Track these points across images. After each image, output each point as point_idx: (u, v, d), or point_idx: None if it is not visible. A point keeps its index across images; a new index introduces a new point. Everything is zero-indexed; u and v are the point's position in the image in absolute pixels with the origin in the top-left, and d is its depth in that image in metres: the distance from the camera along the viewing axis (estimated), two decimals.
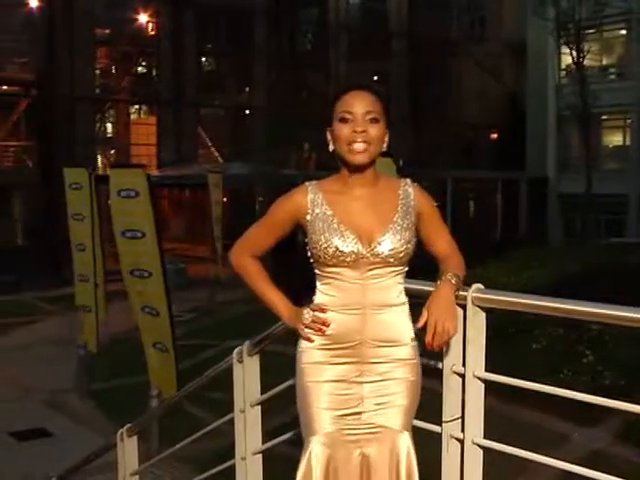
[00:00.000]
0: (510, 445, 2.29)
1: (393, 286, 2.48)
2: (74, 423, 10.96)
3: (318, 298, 2.49)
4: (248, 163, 26.57)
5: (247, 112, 31.84)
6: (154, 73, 30.39)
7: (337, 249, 2.40)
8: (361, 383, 2.47)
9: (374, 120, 2.48)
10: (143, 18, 29.18)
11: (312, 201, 2.49)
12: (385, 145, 2.54)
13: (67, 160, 21.39)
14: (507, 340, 11.75)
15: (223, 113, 33.93)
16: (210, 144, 32.26)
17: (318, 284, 2.49)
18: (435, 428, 2.45)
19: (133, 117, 33.18)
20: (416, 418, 2.50)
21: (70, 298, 13.85)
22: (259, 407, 3.18)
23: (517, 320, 11.36)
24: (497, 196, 32.62)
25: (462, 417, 2.39)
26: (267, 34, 30.25)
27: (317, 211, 2.47)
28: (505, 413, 9.90)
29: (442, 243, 2.59)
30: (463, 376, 2.38)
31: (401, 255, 2.45)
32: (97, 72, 29.87)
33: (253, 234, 2.63)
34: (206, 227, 24.68)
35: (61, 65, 25.89)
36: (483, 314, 2.40)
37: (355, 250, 2.41)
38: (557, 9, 26.50)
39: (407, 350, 2.48)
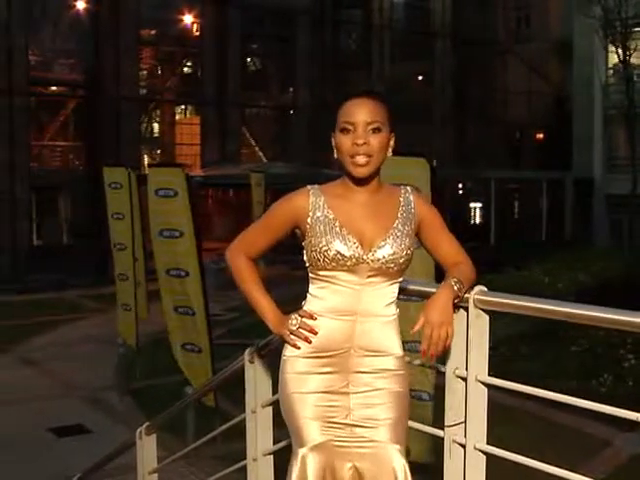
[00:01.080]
0: (516, 452, 2.24)
1: (388, 295, 2.45)
2: (112, 420, 11.07)
3: (309, 303, 2.47)
4: (291, 163, 26.63)
5: (291, 112, 31.91)
6: (199, 73, 30.59)
7: (338, 252, 2.38)
8: (347, 394, 2.44)
9: (376, 130, 2.44)
10: (188, 19, 29.40)
11: (313, 204, 2.46)
12: (390, 150, 2.50)
13: (113, 160, 21.67)
14: (545, 341, 11.62)
15: (267, 113, 34.05)
16: (254, 144, 32.40)
17: (311, 288, 2.46)
18: (438, 432, 2.41)
19: (178, 117, 33.46)
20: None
21: (115, 296, 14.00)
22: (270, 408, 3.15)
23: (555, 320, 11.20)
24: (542, 197, 32.24)
25: (465, 422, 2.35)
26: (311, 34, 30.27)
27: (318, 214, 2.44)
28: (543, 415, 9.80)
29: (446, 249, 2.54)
30: (466, 380, 2.34)
31: (401, 261, 2.42)
32: (142, 72, 30.21)
33: (251, 234, 2.61)
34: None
35: (107, 65, 26.22)
36: (486, 317, 2.35)
37: (356, 254, 2.38)
38: (603, 7, 26.11)
39: (394, 361, 2.44)
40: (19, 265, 23.73)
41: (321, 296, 2.43)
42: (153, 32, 29.80)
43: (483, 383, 2.31)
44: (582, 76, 32.51)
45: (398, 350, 2.41)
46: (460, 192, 34.38)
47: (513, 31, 36.87)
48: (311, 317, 2.42)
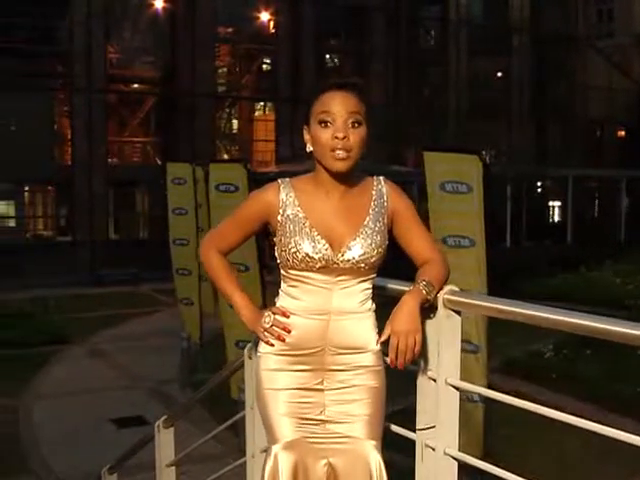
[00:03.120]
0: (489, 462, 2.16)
1: (360, 292, 2.39)
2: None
3: (281, 301, 2.43)
4: (365, 159, 26.53)
5: (366, 109, 31.81)
6: (274, 70, 30.79)
7: (307, 255, 2.33)
8: (322, 390, 2.40)
9: (355, 123, 2.36)
10: (264, 16, 29.62)
11: (284, 200, 2.40)
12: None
13: (188, 156, 21.97)
14: (612, 344, 11.27)
15: None
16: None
17: (283, 285, 2.43)
18: (411, 435, 2.35)
19: (257, 114, 33.77)
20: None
21: None
22: None
23: None
24: (622, 196, 31.40)
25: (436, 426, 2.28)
26: (386, 31, 30.13)
27: (289, 212, 2.39)
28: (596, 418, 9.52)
29: (418, 245, 2.45)
30: (437, 382, 2.26)
31: (372, 260, 2.36)
32: (219, 70, 30.56)
33: (222, 229, 2.58)
34: None
35: (183, 63, 26.61)
36: (458, 318, 2.26)
37: (325, 256, 2.33)
38: None
39: (370, 357, 2.38)
40: (96, 259, 24.28)
41: (293, 294, 2.40)
42: (229, 29, 30.11)
43: (454, 386, 2.24)
44: None
45: (374, 346, 2.35)
46: (539, 190, 33.79)
47: (594, 25, 36.02)
48: (284, 315, 2.39)
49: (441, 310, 2.24)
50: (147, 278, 22.68)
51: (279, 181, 2.47)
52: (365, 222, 2.38)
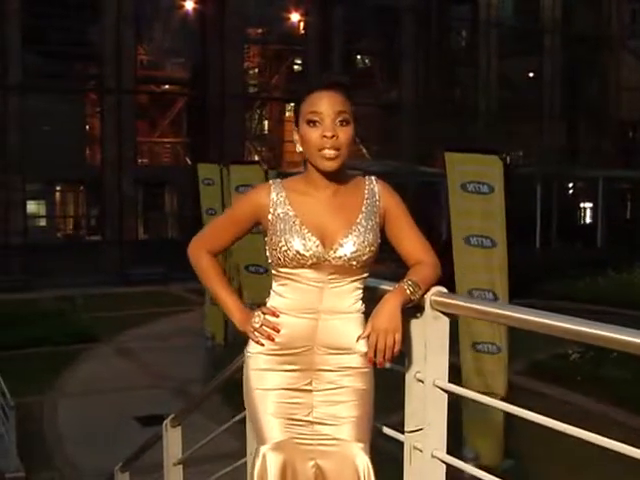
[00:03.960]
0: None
1: (351, 292, 2.38)
2: (200, 414, 11.27)
3: (272, 300, 2.43)
4: (396, 161, 26.46)
5: (396, 109, 31.79)
6: (303, 71, 30.82)
7: (298, 252, 2.33)
8: (310, 391, 2.39)
9: (344, 122, 2.36)
10: (293, 17, 29.67)
11: (274, 200, 2.41)
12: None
13: (217, 156, 22.08)
14: None
15: (371, 111, 34.01)
16: (358, 141, 32.41)
17: (274, 285, 2.43)
18: (400, 437, 2.33)
19: (288, 114, 33.83)
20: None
21: None
22: None
23: None
24: None
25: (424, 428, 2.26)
26: (416, 31, 30.06)
27: (279, 211, 2.39)
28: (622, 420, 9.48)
29: (409, 245, 2.44)
30: (425, 385, 2.25)
31: (364, 258, 2.35)
32: (249, 70, 30.67)
33: (212, 229, 2.59)
34: None
35: (213, 64, 26.72)
36: (445, 319, 2.24)
37: (316, 253, 2.33)
38: None
39: (358, 358, 2.36)
40: (125, 258, 24.47)
41: (283, 293, 2.40)
42: (259, 30, 30.21)
43: (442, 389, 2.22)
44: None
45: (363, 347, 2.33)
46: (570, 191, 33.51)
47: (627, 25, 35.60)
48: (273, 314, 2.39)
49: (428, 311, 2.23)
50: (176, 278, 22.71)
51: (270, 181, 2.48)
52: (358, 220, 2.37)
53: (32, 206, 25.94)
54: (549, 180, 27.31)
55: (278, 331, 2.38)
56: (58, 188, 27.64)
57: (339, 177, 2.40)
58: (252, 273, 11.57)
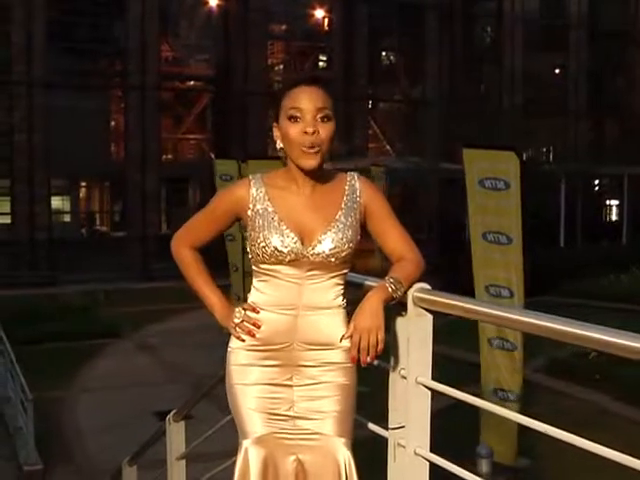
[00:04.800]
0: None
1: (331, 288, 2.37)
2: (215, 407, 11.26)
3: (252, 296, 2.43)
4: (420, 157, 26.36)
5: (420, 106, 31.71)
6: (327, 67, 30.83)
7: (276, 248, 2.32)
8: (291, 386, 2.39)
9: (325, 118, 2.34)
10: (316, 13, 29.67)
11: (254, 196, 2.39)
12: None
13: (240, 152, 22.13)
14: None
15: (396, 107, 33.97)
16: (382, 138, 32.37)
17: (254, 281, 2.43)
18: (385, 434, 2.33)
19: None
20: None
21: None
22: None
23: None
24: None
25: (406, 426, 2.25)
26: (440, 28, 29.96)
27: (258, 206, 2.38)
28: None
29: (391, 242, 2.42)
30: (408, 381, 2.24)
31: (343, 255, 2.34)
32: (273, 67, 30.72)
33: (193, 224, 2.58)
34: None
35: (236, 60, 26.80)
36: (429, 316, 2.23)
37: (294, 250, 2.33)
38: None
39: (340, 354, 2.36)
40: (148, 254, 24.61)
41: (263, 289, 2.40)
42: (283, 27, 30.26)
43: (425, 386, 2.21)
44: None
45: (346, 342, 2.33)
46: (596, 189, 33.21)
47: None
48: (254, 310, 2.39)
49: (411, 308, 2.21)
50: None
51: (250, 176, 2.47)
52: (337, 216, 2.36)
53: (57, 202, 26.18)
54: (574, 177, 27.07)
55: (258, 327, 2.38)
56: (82, 184, 27.88)
57: (319, 173, 2.39)
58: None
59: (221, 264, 13.18)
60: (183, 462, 4.12)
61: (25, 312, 16.88)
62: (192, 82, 29.74)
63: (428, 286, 2.23)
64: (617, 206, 31.88)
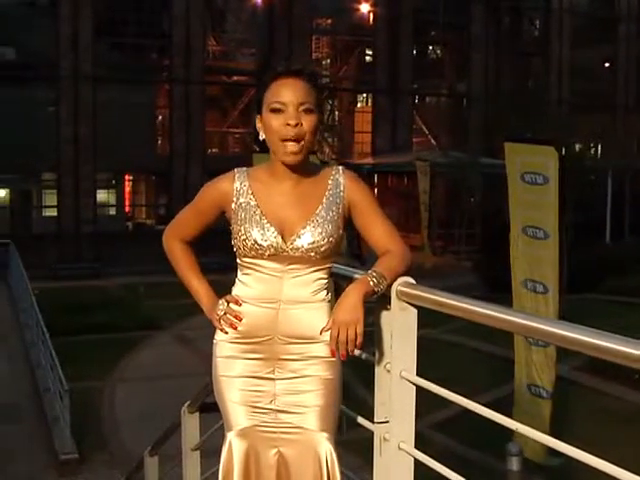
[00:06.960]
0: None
1: (313, 281, 2.35)
2: None
3: (236, 289, 2.43)
4: (462, 152, 26.18)
5: (465, 100, 31.48)
6: (372, 62, 30.73)
7: (256, 242, 2.31)
8: (273, 380, 2.38)
9: (308, 111, 2.31)
10: (362, 7, 29.58)
11: (238, 189, 2.38)
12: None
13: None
14: None
15: (440, 101, 33.75)
16: (427, 132, 32.18)
17: (239, 274, 2.42)
18: (371, 427, 2.31)
19: (359, 105, 33.79)
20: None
21: None
22: None
23: None
24: None
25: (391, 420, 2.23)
26: (486, 21, 29.68)
27: (241, 200, 2.37)
28: None
29: (376, 235, 2.39)
30: (392, 376, 2.21)
31: (323, 249, 2.32)
32: (321, 61, 30.74)
33: (181, 219, 2.58)
34: (418, 215, 24.69)
35: (282, 54, 26.82)
36: (413, 310, 2.20)
37: (274, 244, 2.31)
38: None
39: (323, 347, 2.33)
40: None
41: (246, 282, 2.39)
42: (328, 21, 30.23)
43: (409, 381, 2.18)
44: None
45: (327, 335, 2.31)
46: None
47: None
48: (236, 302, 2.38)
49: (395, 302, 2.19)
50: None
51: (235, 170, 2.45)
52: (317, 211, 2.34)
53: (102, 195, 26.47)
54: (621, 172, 26.66)
55: (240, 319, 2.38)
56: (128, 177, 28.15)
57: (302, 167, 2.37)
58: None
59: None
60: (197, 453, 4.13)
61: (69, 304, 17.17)
62: (237, 76, 29.82)
63: (412, 280, 2.20)
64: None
